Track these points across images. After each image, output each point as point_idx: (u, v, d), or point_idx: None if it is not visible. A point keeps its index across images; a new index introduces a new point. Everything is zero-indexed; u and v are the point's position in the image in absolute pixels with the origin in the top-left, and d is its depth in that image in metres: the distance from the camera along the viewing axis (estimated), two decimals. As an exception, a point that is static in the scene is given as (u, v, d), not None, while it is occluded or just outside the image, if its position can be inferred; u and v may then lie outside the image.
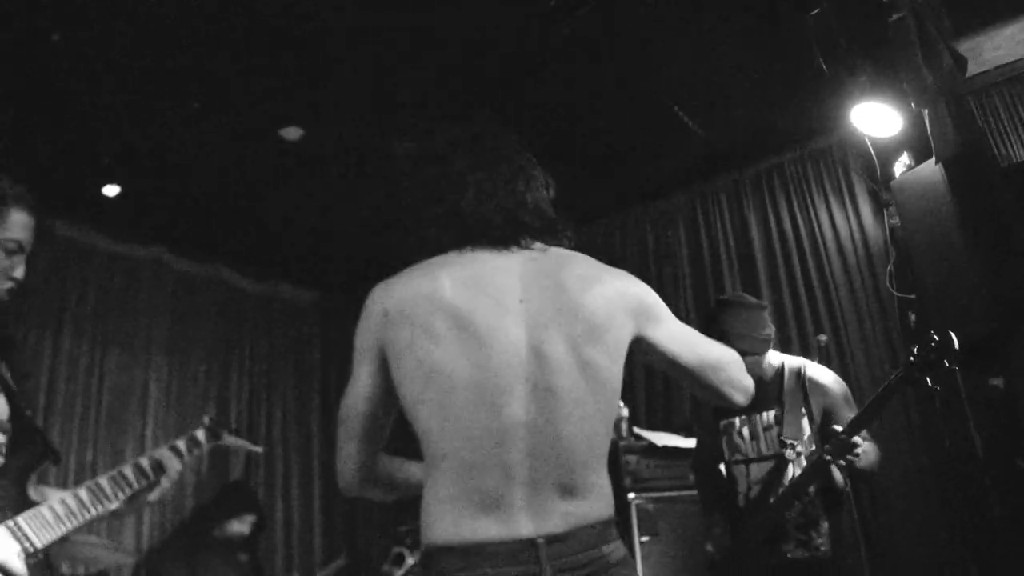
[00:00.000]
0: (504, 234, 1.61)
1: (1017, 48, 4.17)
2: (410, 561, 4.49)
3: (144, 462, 1.97)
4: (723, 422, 3.06)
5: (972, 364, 3.89)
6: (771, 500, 2.83)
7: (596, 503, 1.46)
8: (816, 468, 2.72)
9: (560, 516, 1.41)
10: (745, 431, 3.00)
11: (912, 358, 2.60)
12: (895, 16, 2.70)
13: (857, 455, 2.62)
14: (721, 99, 4.30)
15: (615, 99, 4.18)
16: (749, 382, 1.77)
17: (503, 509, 1.41)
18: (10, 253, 1.80)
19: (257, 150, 4.46)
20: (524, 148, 1.74)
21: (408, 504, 5.14)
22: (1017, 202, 3.71)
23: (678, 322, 1.69)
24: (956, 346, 2.52)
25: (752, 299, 3.16)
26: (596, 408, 1.48)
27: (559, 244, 1.68)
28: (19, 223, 1.81)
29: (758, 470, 2.94)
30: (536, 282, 1.55)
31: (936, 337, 2.56)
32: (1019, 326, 3.48)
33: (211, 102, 3.97)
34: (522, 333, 1.49)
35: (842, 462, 2.62)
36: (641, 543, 3.52)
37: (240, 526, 4.62)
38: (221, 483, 5.17)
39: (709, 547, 2.98)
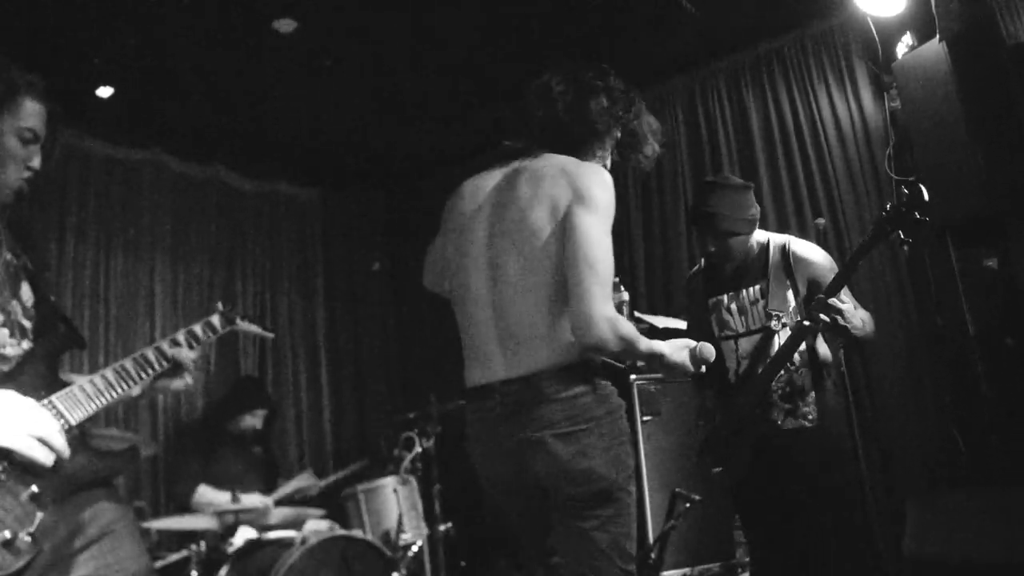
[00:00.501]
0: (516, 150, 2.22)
1: (1026, -80, 4.04)
2: (418, 447, 4.64)
3: (165, 345, 2.03)
4: (712, 300, 3.13)
5: (968, 244, 3.95)
6: (759, 371, 2.92)
7: (540, 352, 1.96)
8: (799, 333, 2.79)
9: (514, 365, 1.98)
10: (733, 307, 3.07)
11: (884, 212, 2.65)
12: None
13: (840, 312, 2.67)
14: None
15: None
16: (598, 315, 1.89)
17: (484, 362, 2.05)
18: (26, 143, 1.80)
19: (250, 44, 4.37)
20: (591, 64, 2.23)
21: (415, 391, 5.28)
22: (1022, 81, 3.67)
23: (597, 224, 1.97)
24: (926, 198, 2.57)
25: (737, 180, 3.19)
26: (533, 282, 1.99)
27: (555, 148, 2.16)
28: (33, 112, 1.81)
29: (747, 344, 3.02)
30: (500, 195, 2.13)
31: (907, 190, 2.61)
32: (1015, 208, 3.50)
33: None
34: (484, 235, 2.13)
35: (827, 321, 2.66)
36: (643, 423, 3.64)
37: (252, 420, 4.74)
38: (232, 379, 5.27)
39: (701, 422, 3.08)
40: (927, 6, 3.53)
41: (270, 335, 2.60)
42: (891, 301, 4.27)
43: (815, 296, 2.77)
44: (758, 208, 3.13)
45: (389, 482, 4.50)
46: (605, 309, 1.86)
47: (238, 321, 2.24)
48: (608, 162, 2.25)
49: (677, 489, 3.32)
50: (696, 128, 5.08)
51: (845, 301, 2.78)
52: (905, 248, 2.77)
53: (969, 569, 2.49)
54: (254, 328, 2.36)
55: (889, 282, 4.30)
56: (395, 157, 6.01)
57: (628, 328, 1.90)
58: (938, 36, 3.49)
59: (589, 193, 1.97)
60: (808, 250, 3.07)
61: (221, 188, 5.72)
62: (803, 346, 2.90)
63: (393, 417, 5.14)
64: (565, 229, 1.95)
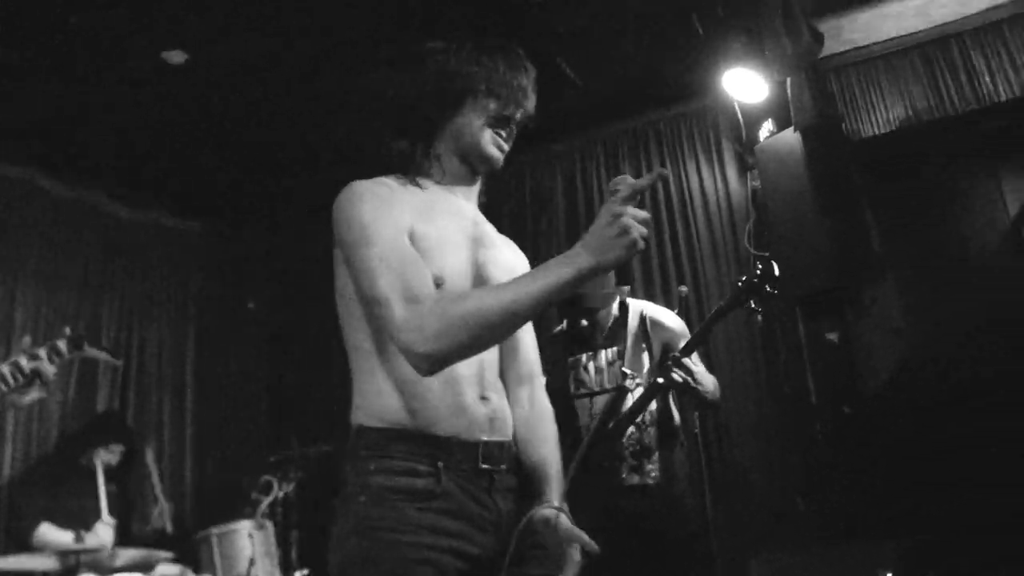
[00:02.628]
0: None
1: (871, 33, 4.42)
2: (277, 490, 4.52)
3: (23, 360, 1.96)
4: (571, 359, 3.22)
5: (813, 318, 4.20)
6: (610, 428, 2.99)
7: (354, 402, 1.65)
8: (650, 391, 2.89)
9: None
10: (591, 366, 3.17)
11: (739, 283, 2.79)
12: (761, -13, 2.85)
13: (691, 373, 2.77)
14: (603, 54, 4.40)
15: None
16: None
17: None
18: None
19: (139, 74, 4.28)
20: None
21: (281, 434, 5.12)
22: (863, 174, 3.98)
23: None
24: (776, 273, 2.72)
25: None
26: None
27: None
28: None
29: (601, 402, 3.10)
30: None
31: (760, 265, 2.76)
32: (855, 285, 3.76)
33: (89, 19, 3.78)
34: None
35: (678, 381, 2.76)
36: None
37: (108, 455, 4.50)
38: (90, 413, 5.02)
39: None
40: (785, 98, 3.79)
41: (118, 363, 2.52)
42: (746, 368, 4.47)
43: (669, 355, 2.88)
44: (613, 281, 3.27)
45: (244, 526, 4.34)
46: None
47: (85, 347, 2.17)
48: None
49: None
50: (573, 193, 5.25)
51: (697, 364, 2.90)
52: (758, 318, 2.92)
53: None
54: (103, 355, 2.29)
55: (745, 350, 4.51)
56: (282, 197, 5.92)
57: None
58: (793, 126, 3.74)
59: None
60: (664, 315, 3.21)
61: (97, 215, 5.49)
62: (654, 406, 3.01)
63: (254, 459, 5.00)
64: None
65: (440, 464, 1.51)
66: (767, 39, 2.96)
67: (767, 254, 4.39)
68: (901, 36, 4.46)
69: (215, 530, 4.33)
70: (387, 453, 1.50)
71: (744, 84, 4.18)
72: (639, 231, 1.32)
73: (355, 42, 4.14)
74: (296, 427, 4.84)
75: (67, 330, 2.18)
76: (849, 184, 3.81)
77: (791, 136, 3.82)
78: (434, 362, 1.40)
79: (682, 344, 2.95)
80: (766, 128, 4.31)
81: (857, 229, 3.73)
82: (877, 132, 4.45)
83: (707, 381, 2.91)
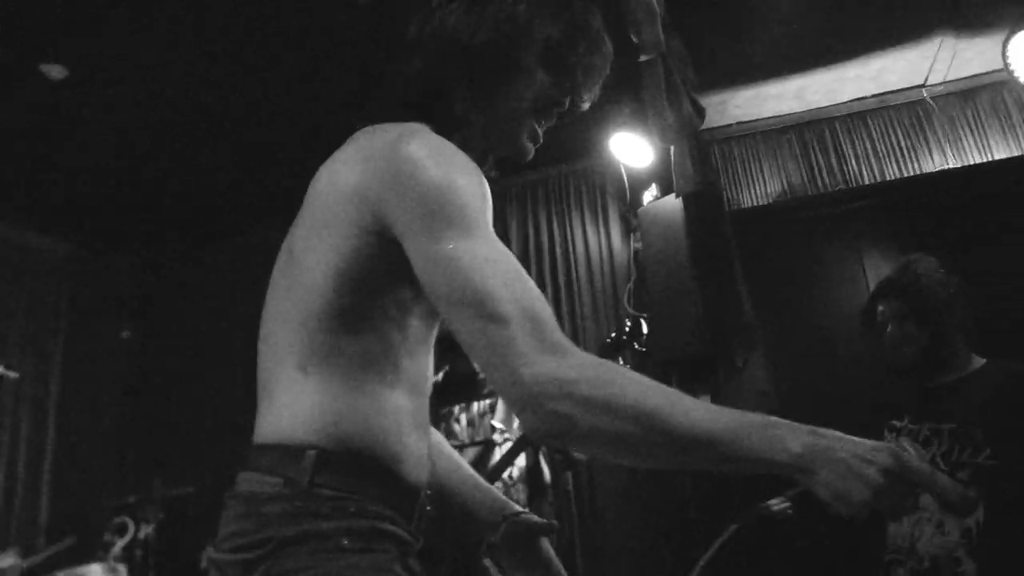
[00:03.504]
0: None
1: (752, 110, 4.65)
2: (132, 530, 4.28)
3: None
4: (443, 410, 3.18)
5: (687, 380, 4.28)
6: None
7: (278, 418, 1.18)
8: (518, 445, 2.86)
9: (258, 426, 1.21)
10: (463, 417, 3.13)
11: (608, 340, 2.90)
12: (644, 57, 2.94)
13: None
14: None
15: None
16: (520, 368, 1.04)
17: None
18: None
19: (14, 86, 4.06)
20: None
21: (143, 472, 4.87)
22: (739, 243, 4.12)
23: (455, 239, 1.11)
24: (644, 331, 2.83)
25: None
26: (289, 307, 1.22)
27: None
28: None
29: (469, 456, 3.08)
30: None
31: (629, 322, 2.87)
32: (727, 351, 3.86)
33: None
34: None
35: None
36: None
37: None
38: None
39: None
40: (668, 164, 3.90)
41: (14, 375, 2.25)
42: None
43: None
44: None
45: (95, 570, 4.07)
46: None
47: None
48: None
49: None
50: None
51: None
52: None
53: None
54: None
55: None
56: (161, 221, 5.69)
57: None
58: (675, 192, 3.85)
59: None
60: None
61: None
62: (523, 462, 2.98)
63: (111, 499, 4.71)
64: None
65: (411, 516, 1.24)
66: (650, 107, 3.05)
67: (645, 314, 4.48)
68: (780, 115, 4.71)
69: (61, 573, 4.04)
70: (364, 491, 1.15)
71: (631, 148, 4.30)
72: (884, 501, 0.91)
73: (238, 56, 4.04)
74: (160, 466, 4.61)
75: None
76: (726, 252, 3.92)
77: (673, 201, 3.90)
78: (558, 434, 1.01)
79: None
80: (650, 192, 4.41)
81: (731, 296, 3.84)
82: (755, 203, 4.66)
83: None
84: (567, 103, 1.33)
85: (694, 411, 0.98)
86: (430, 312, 1.25)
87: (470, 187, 1.13)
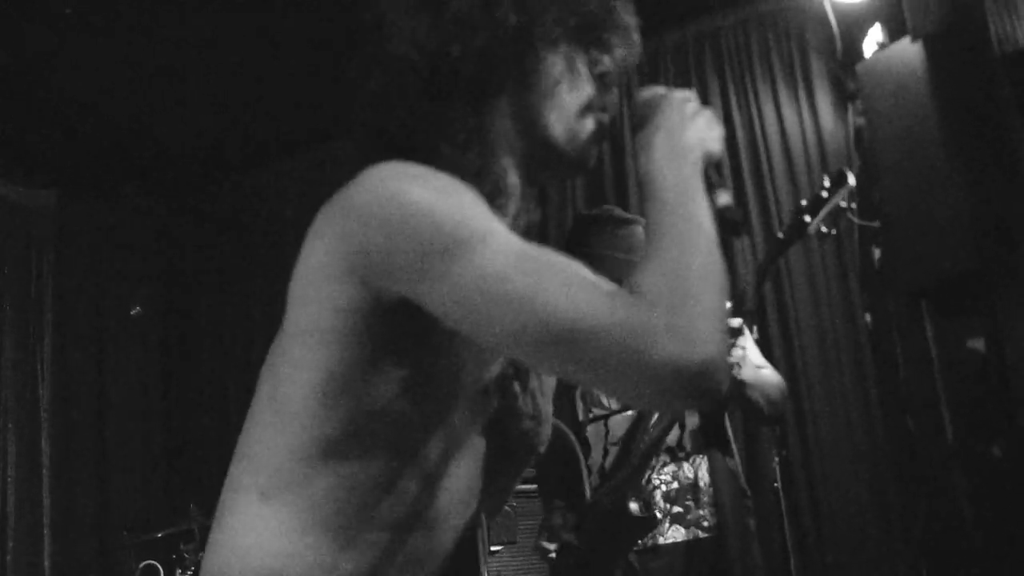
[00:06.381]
0: None
1: None
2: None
3: None
4: None
5: (948, 316, 4.13)
6: (632, 460, 2.95)
7: (217, 551, 1.34)
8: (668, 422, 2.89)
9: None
10: None
11: (803, 202, 2.88)
12: None
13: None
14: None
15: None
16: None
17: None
18: None
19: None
20: None
21: (176, 497, 5.11)
22: (1019, 101, 3.89)
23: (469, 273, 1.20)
24: (851, 182, 2.82)
25: (623, 213, 3.31)
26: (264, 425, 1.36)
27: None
28: None
29: (618, 426, 3.08)
30: None
31: (827, 177, 2.88)
32: (1009, 265, 3.68)
33: None
34: None
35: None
36: (491, 554, 3.62)
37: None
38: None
39: (544, 542, 3.06)
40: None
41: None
42: (846, 384, 4.44)
43: None
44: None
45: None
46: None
47: None
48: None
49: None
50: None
51: (752, 348, 2.87)
52: (832, 232, 2.92)
53: None
54: None
55: (845, 357, 4.46)
56: (173, 152, 5.91)
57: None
58: (911, 34, 3.67)
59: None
60: None
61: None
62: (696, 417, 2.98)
63: (135, 534, 4.96)
64: None
65: None
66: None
67: (877, 223, 4.32)
68: None
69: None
70: None
71: (839, -28, 4.14)
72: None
73: None
74: (195, 488, 4.81)
75: None
76: (998, 117, 3.73)
77: (908, 48, 3.75)
78: (713, 371, 1.15)
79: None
80: (873, 38, 4.24)
81: (1009, 182, 3.66)
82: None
83: (762, 380, 2.88)
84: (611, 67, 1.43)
85: (704, 225, 1.24)
86: (473, 408, 1.37)
87: (456, 195, 1.22)
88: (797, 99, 4.78)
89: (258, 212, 6.08)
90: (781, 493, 3.06)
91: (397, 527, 1.31)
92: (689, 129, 1.30)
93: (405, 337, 1.24)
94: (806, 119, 4.75)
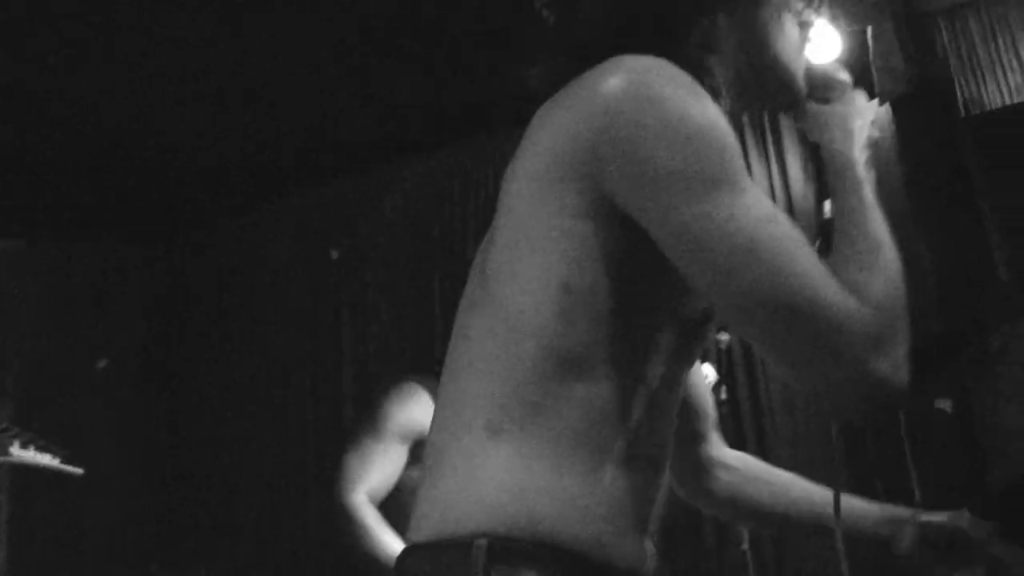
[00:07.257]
0: None
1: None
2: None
3: None
4: None
5: (915, 377, 4.15)
6: None
7: (444, 497, 1.23)
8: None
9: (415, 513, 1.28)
10: None
11: None
12: None
13: None
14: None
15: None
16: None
17: None
18: None
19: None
20: None
21: (140, 556, 5.05)
22: (983, 163, 3.94)
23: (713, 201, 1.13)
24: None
25: None
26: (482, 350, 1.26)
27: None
28: None
29: None
30: None
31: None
32: (975, 328, 3.71)
33: None
34: None
35: None
36: None
37: None
38: None
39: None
40: (866, 55, 3.77)
41: (78, 471, 2.21)
42: (811, 444, 4.43)
43: None
44: None
45: None
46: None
47: (13, 450, 1.89)
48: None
49: None
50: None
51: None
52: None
53: None
54: (45, 460, 1.98)
55: (811, 415, 4.46)
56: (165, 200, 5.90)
57: None
58: (878, 97, 3.72)
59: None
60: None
61: None
62: None
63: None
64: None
65: None
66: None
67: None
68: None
69: None
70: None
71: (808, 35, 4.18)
72: None
73: None
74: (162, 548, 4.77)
75: None
76: (961, 178, 3.78)
77: (878, 112, 3.79)
78: (899, 396, 1.19)
79: None
80: (840, 100, 4.29)
81: (974, 246, 3.70)
82: (1005, 102, 4.44)
83: None
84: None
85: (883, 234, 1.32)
86: (687, 339, 1.29)
87: (718, 120, 1.15)
88: (767, 160, 4.80)
89: (239, 258, 6.06)
90: (749, 554, 3.05)
91: (641, 467, 1.24)
92: (867, 133, 1.41)
93: (639, 246, 1.15)
94: (775, 181, 4.76)
